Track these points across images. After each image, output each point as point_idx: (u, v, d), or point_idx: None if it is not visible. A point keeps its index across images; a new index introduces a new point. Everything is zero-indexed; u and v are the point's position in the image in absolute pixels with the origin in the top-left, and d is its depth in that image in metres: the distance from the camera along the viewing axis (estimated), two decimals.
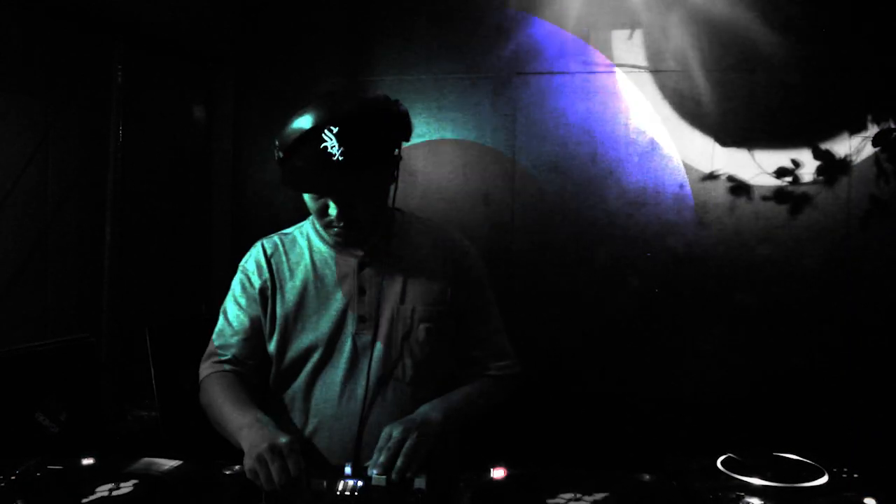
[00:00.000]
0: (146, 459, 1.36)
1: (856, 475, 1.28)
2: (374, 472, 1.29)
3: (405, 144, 1.51)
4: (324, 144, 1.37)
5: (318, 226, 1.57)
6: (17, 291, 2.20)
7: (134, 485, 1.23)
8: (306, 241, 1.62)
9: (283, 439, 1.29)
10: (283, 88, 3.08)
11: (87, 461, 1.34)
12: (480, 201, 3.00)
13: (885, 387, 2.69)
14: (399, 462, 1.31)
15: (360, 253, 1.56)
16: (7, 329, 2.14)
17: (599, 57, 2.92)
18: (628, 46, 2.90)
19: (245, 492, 1.25)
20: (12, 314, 2.18)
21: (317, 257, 1.59)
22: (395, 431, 1.36)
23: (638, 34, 2.89)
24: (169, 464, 1.34)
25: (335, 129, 1.37)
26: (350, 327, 1.54)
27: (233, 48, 3.11)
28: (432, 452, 1.38)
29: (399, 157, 1.48)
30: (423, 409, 1.48)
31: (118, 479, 1.25)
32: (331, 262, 1.58)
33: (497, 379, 1.64)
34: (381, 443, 1.35)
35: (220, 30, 3.05)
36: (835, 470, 1.29)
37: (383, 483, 1.27)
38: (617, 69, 2.91)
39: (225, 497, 1.23)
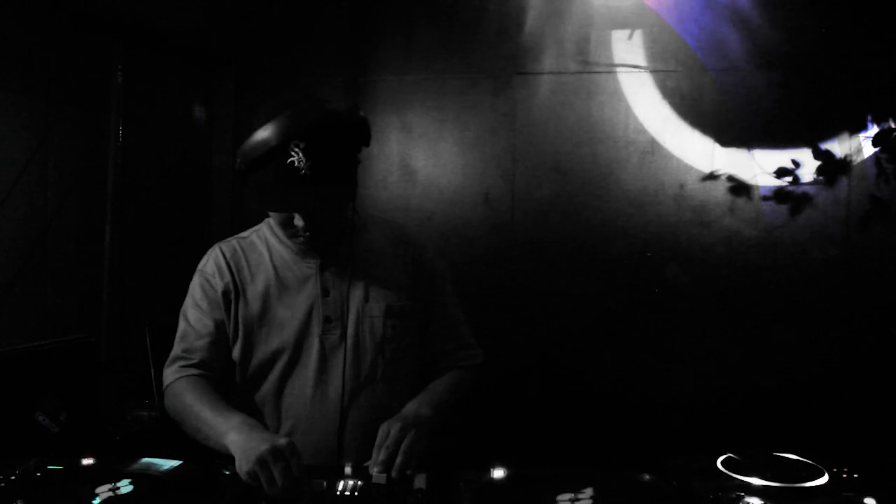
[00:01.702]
0: (146, 459, 1.36)
1: (856, 475, 1.27)
2: (375, 471, 1.29)
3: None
4: (290, 160, 1.36)
5: (278, 229, 1.57)
6: (17, 291, 2.20)
7: (133, 485, 1.23)
8: (265, 244, 1.62)
9: (282, 440, 1.28)
10: (283, 88, 3.08)
11: (87, 461, 1.34)
12: (480, 201, 3.00)
13: (885, 387, 2.69)
14: (399, 459, 1.31)
15: (321, 254, 1.57)
16: (7, 329, 2.14)
17: (599, 57, 2.92)
18: (628, 46, 2.90)
19: (245, 492, 1.25)
20: (12, 314, 2.18)
21: (277, 261, 1.59)
22: (393, 429, 1.36)
23: (638, 34, 2.89)
24: (169, 464, 1.34)
25: (301, 145, 1.36)
26: (316, 328, 1.54)
27: (233, 48, 3.11)
28: (429, 448, 1.38)
29: (359, 162, 1.49)
30: (412, 405, 1.49)
31: (118, 479, 1.25)
32: (292, 265, 1.58)
33: (467, 370, 1.66)
34: (379, 440, 1.35)
35: (220, 30, 3.05)
36: (835, 470, 1.29)
37: (383, 481, 1.27)
38: (617, 69, 2.90)
39: (225, 497, 1.23)
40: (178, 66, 2.97)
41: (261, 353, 1.55)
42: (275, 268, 1.59)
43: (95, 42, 2.48)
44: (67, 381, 1.99)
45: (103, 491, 1.20)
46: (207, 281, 1.60)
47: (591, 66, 2.92)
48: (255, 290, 1.57)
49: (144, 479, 1.26)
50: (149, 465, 1.34)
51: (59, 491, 1.22)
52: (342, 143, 1.43)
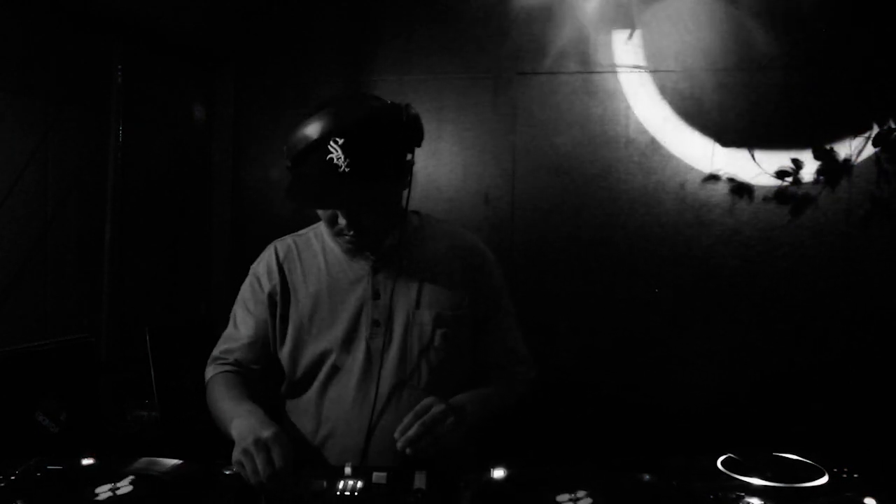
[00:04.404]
0: (146, 459, 1.36)
1: (856, 475, 1.27)
2: (400, 441, 1.30)
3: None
4: (329, 156, 1.34)
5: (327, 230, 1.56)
6: (17, 291, 2.20)
7: (133, 484, 1.23)
8: (320, 243, 1.60)
9: (267, 431, 1.28)
10: (283, 88, 3.08)
11: (87, 461, 1.34)
12: (480, 201, 3.00)
13: (885, 387, 2.69)
14: (427, 441, 1.31)
15: (374, 256, 1.54)
16: (7, 329, 2.14)
17: (599, 57, 2.91)
18: (628, 46, 2.90)
19: (245, 492, 1.25)
20: (12, 314, 2.18)
21: (330, 260, 1.57)
22: (437, 407, 1.35)
23: (638, 34, 2.89)
24: (169, 464, 1.34)
25: (340, 141, 1.34)
26: (364, 331, 1.52)
27: (233, 48, 3.11)
28: (458, 444, 1.37)
29: (412, 162, 1.46)
30: (461, 398, 1.47)
31: (118, 479, 1.25)
32: (345, 266, 1.56)
33: (516, 384, 1.64)
34: (418, 409, 1.35)
35: (220, 30, 3.05)
36: (835, 470, 1.29)
37: (384, 481, 1.27)
38: (617, 69, 2.90)
39: (225, 497, 1.23)
40: (178, 66, 2.97)
41: (309, 354, 1.53)
42: (328, 267, 1.57)
43: (95, 42, 2.48)
44: (67, 381, 1.99)
45: (103, 491, 1.20)
46: (258, 280, 1.59)
47: (591, 66, 2.92)
48: (306, 290, 1.55)
49: (144, 479, 1.26)
50: (149, 464, 1.34)
51: (59, 491, 1.22)
52: (385, 140, 1.40)
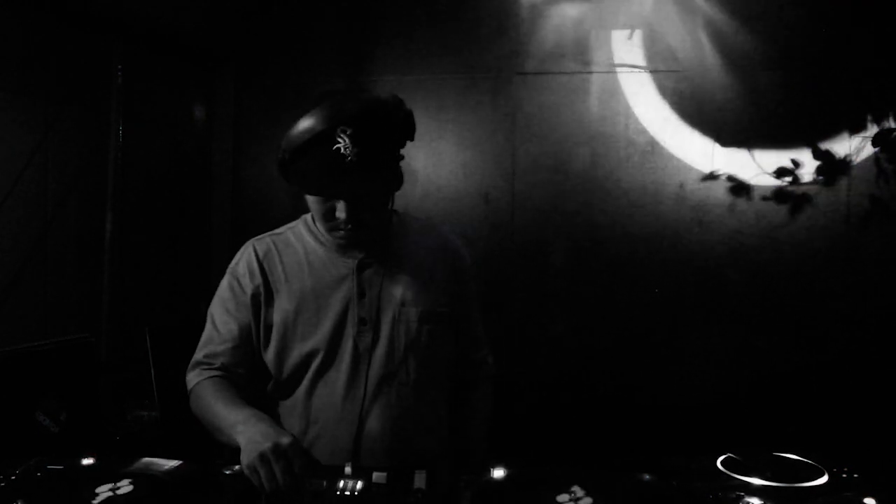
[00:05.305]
0: (146, 459, 1.35)
1: (856, 475, 1.27)
2: None
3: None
4: (336, 146, 1.34)
5: (314, 227, 1.54)
6: (17, 291, 2.20)
7: (133, 484, 1.23)
8: (301, 242, 1.58)
9: (286, 439, 1.27)
10: (283, 88, 3.08)
11: (87, 461, 1.34)
12: (480, 201, 3.00)
13: (885, 387, 2.69)
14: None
15: (360, 254, 1.54)
16: (7, 329, 2.14)
17: (599, 57, 2.92)
18: (628, 46, 2.90)
19: (245, 492, 1.25)
20: (12, 314, 2.18)
21: (313, 259, 1.56)
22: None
23: (638, 34, 2.89)
24: (169, 464, 1.34)
25: (348, 131, 1.34)
26: (351, 330, 1.51)
27: (233, 48, 3.11)
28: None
29: (402, 157, 1.47)
30: (471, 445, 1.55)
31: (118, 479, 1.25)
32: (328, 264, 1.55)
33: (488, 384, 1.69)
34: None
35: (220, 30, 3.05)
36: (835, 470, 1.29)
37: (384, 481, 1.27)
38: (617, 69, 2.91)
39: (225, 497, 1.23)
40: (178, 66, 2.97)
41: (296, 355, 1.52)
42: (310, 267, 1.55)
43: (95, 42, 2.48)
44: (67, 381, 1.99)
45: (103, 491, 1.20)
46: (238, 281, 1.56)
47: (591, 66, 2.92)
48: (289, 290, 1.53)
49: (144, 479, 1.26)
50: (149, 465, 1.34)
51: (59, 491, 1.22)
52: (388, 131, 1.41)
